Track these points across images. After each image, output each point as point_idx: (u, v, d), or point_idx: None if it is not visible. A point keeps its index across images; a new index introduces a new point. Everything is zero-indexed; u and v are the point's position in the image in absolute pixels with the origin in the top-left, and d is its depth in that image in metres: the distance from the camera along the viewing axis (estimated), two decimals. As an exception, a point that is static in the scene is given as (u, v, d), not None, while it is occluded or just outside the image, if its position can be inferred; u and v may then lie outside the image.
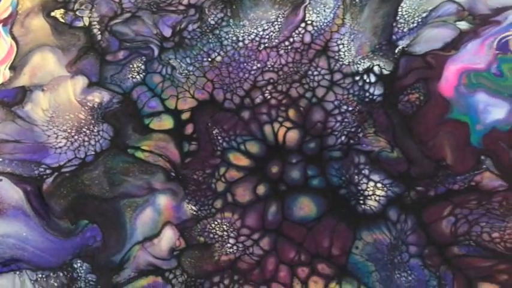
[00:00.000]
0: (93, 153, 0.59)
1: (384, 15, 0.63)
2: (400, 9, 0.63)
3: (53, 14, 0.64)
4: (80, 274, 0.56)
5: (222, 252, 0.57)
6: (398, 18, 0.63)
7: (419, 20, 0.63)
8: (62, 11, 0.64)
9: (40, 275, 0.56)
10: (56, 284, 0.55)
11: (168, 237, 0.57)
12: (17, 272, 0.56)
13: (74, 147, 0.59)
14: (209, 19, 0.63)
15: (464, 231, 0.57)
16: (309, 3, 0.64)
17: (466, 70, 0.62)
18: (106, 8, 0.64)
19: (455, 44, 0.62)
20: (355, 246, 0.57)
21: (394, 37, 0.62)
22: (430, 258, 0.57)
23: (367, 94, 0.61)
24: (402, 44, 0.62)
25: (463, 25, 0.62)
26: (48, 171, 0.58)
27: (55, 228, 0.57)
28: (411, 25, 0.63)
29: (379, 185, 0.58)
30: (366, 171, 0.59)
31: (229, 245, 0.57)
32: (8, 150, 0.58)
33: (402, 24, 0.63)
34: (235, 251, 0.57)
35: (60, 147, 0.59)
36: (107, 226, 0.57)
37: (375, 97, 0.60)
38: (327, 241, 0.57)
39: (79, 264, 0.56)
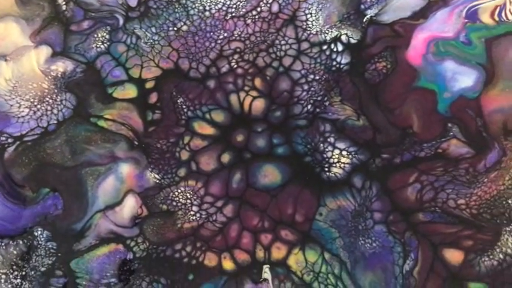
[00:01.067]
0: (55, 122, 0.60)
1: (352, -16, 0.64)
2: (368, -22, 0.64)
3: (16, -19, 0.64)
4: (40, 242, 0.57)
5: (184, 220, 0.57)
6: (367, -13, 0.64)
7: (388, -12, 0.63)
8: (25, -21, 0.64)
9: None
10: (15, 252, 0.56)
11: (130, 206, 0.58)
12: None
13: (37, 116, 0.60)
14: (175, -11, 0.63)
15: (429, 197, 0.59)
16: (276, -29, 0.64)
17: (434, 39, 0.63)
18: (71, -22, 0.64)
19: (423, 13, 0.63)
20: (319, 213, 0.58)
21: (362, 6, 0.63)
22: (395, 224, 0.58)
23: (334, 63, 0.62)
24: (370, 13, 0.63)
25: (432, -7, 0.62)
26: (10, 140, 0.59)
27: (15, 197, 0.57)
28: (380, -7, 0.64)
29: (344, 152, 0.59)
30: (332, 139, 0.60)
31: (192, 212, 0.58)
32: None
33: (371, -7, 0.64)
34: (198, 219, 0.58)
35: (22, 117, 0.60)
36: (68, 194, 0.58)
37: (341, 66, 0.61)
38: (290, 208, 0.58)
39: (39, 232, 0.57)
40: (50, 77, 0.60)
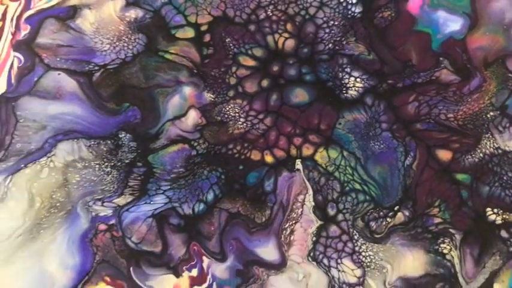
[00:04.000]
0: (131, 55, 0.72)
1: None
2: None
3: None
4: (124, 142, 0.70)
5: (234, 128, 0.71)
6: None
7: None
8: None
9: (92, 142, 0.70)
10: (105, 149, 0.70)
11: (192, 117, 0.71)
12: (75, 140, 0.70)
13: (116, 50, 0.72)
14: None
15: (425, 112, 0.72)
16: None
17: None
18: None
19: None
20: (339, 123, 0.72)
21: None
22: (398, 131, 0.71)
23: (350, 12, 0.74)
24: None
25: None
26: (96, 68, 0.72)
27: (103, 109, 0.70)
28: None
29: (358, 79, 0.72)
30: (348, 69, 0.72)
31: (240, 122, 0.72)
32: (64, 53, 0.73)
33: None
34: (245, 127, 0.72)
35: (104, 51, 0.72)
36: (145, 108, 0.71)
37: (355, 14, 0.74)
38: (316, 119, 0.72)
39: (123, 135, 0.70)
40: (125, 22, 0.74)
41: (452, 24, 0.72)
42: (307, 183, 0.72)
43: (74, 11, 0.74)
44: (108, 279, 0.70)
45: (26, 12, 0.74)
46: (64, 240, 0.70)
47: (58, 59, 0.72)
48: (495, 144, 0.72)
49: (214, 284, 0.71)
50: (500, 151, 0.72)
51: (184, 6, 0.75)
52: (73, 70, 0.72)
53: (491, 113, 0.72)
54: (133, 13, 0.74)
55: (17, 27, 0.73)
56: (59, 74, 0.72)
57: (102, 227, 0.70)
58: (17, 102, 0.71)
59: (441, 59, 0.72)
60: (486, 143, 0.72)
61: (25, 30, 0.73)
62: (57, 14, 0.73)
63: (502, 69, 0.72)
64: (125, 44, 0.73)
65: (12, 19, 0.73)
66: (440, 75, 0.72)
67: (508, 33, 0.73)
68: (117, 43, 0.73)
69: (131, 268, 0.70)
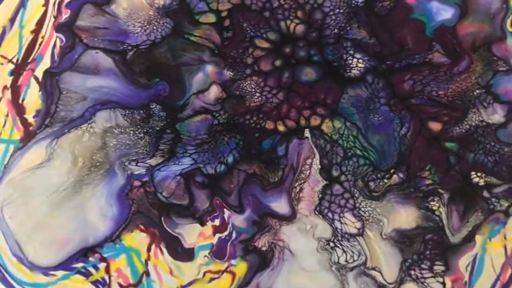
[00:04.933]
0: (160, 37, 0.78)
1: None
2: None
3: None
4: (154, 111, 0.77)
5: (251, 101, 0.78)
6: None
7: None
8: None
9: (127, 112, 0.77)
10: (138, 117, 0.76)
11: (214, 91, 0.78)
12: (112, 109, 0.77)
13: (147, 33, 0.79)
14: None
15: (419, 89, 0.77)
16: None
17: None
18: None
19: None
20: (343, 98, 0.78)
21: None
22: (395, 106, 0.77)
23: (353, 1, 0.79)
24: None
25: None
26: (129, 48, 0.78)
27: (136, 83, 0.77)
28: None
29: (360, 60, 0.78)
30: (351, 52, 0.78)
31: (256, 96, 0.78)
32: (101, 34, 0.79)
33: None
34: (260, 101, 0.78)
35: (137, 33, 0.79)
36: (172, 83, 0.77)
37: (358, 3, 0.79)
38: (323, 94, 0.78)
39: (154, 106, 0.77)
40: (154, 8, 0.80)
41: (444, 13, 0.77)
42: (314, 149, 0.78)
43: (109, -3, 0.80)
44: (142, 227, 0.77)
45: (66, -2, 0.79)
46: (103, 194, 0.77)
47: (96, 39, 0.79)
48: (480, 117, 0.77)
49: (234, 232, 0.78)
50: (484, 123, 0.78)
51: (207, -5, 0.80)
52: (109, 49, 0.78)
53: (477, 91, 0.77)
54: (162, 0, 0.80)
55: (59, 11, 0.80)
56: (96, 52, 0.79)
57: (137, 183, 0.77)
58: (60, 77, 0.78)
59: (434, 43, 0.77)
60: (472, 117, 0.77)
61: (66, 14, 0.79)
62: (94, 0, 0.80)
63: (488, 53, 0.77)
64: (155, 27, 0.80)
65: (54, 4, 0.80)
66: (433, 57, 0.77)
67: (494, 22, 0.78)
68: (147, 26, 0.80)
69: (162, 218, 0.77)
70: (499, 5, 0.78)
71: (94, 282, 0.77)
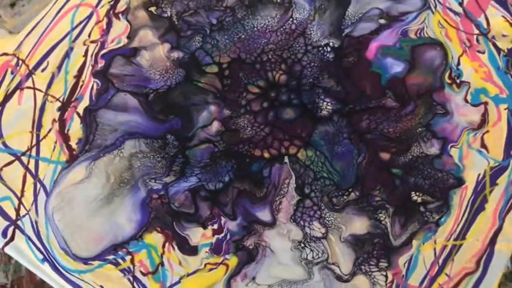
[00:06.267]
0: (174, 83, 0.93)
1: (337, 15, 0.95)
2: (347, 12, 0.95)
3: (150, 8, 0.96)
4: (169, 141, 0.88)
5: (243, 134, 0.90)
6: (345, 17, 0.94)
7: (357, 18, 0.94)
8: (154, 7, 0.96)
9: (148, 141, 0.88)
10: (157, 145, 0.88)
11: (216, 126, 0.90)
12: (137, 139, 0.88)
13: (164, 79, 0.92)
14: (238, 14, 0.95)
15: (374, 127, 0.89)
16: (295, 7, 0.96)
17: (381, 45, 0.92)
18: (180, 6, 0.96)
19: (376, 32, 0.93)
20: (315, 132, 0.90)
21: (342, 27, 0.94)
22: (355, 139, 0.89)
23: (325, 57, 0.93)
24: (347, 31, 0.93)
25: (382, 21, 0.93)
26: (151, 91, 0.90)
27: (155, 119, 0.89)
28: (353, 20, 0.94)
29: (329, 103, 0.90)
30: (322, 97, 0.91)
31: (247, 130, 0.91)
32: (128, 80, 0.92)
33: (347, 20, 0.94)
34: (251, 133, 0.90)
35: (156, 79, 0.93)
36: (184, 119, 0.89)
37: (330, 58, 0.93)
38: (299, 129, 0.91)
39: (169, 136, 0.88)
40: (170, 60, 0.95)
41: (396, 67, 0.90)
42: (291, 171, 0.88)
43: (135, 51, 0.94)
44: (159, 229, 0.86)
45: (101, 51, 0.93)
46: (129, 204, 0.86)
47: (124, 84, 0.91)
48: (420, 150, 0.87)
49: (228, 234, 0.86)
50: (423, 154, 0.87)
51: (211, 50, 0.95)
52: (135, 92, 0.91)
53: (420, 129, 0.87)
54: (176, 54, 0.95)
55: (96, 61, 0.92)
56: (125, 94, 0.92)
57: (155, 196, 0.86)
58: (97, 113, 0.90)
59: (387, 91, 0.89)
60: (414, 149, 0.88)
61: (101, 64, 0.92)
62: (123, 52, 0.93)
63: (429, 99, 0.88)
64: (170, 75, 0.93)
65: (92, 55, 0.93)
66: (386, 102, 0.89)
67: (435, 74, 0.89)
68: (165, 74, 0.93)
69: (174, 222, 0.86)
70: (440, 62, 0.90)
71: (122, 270, 0.84)
